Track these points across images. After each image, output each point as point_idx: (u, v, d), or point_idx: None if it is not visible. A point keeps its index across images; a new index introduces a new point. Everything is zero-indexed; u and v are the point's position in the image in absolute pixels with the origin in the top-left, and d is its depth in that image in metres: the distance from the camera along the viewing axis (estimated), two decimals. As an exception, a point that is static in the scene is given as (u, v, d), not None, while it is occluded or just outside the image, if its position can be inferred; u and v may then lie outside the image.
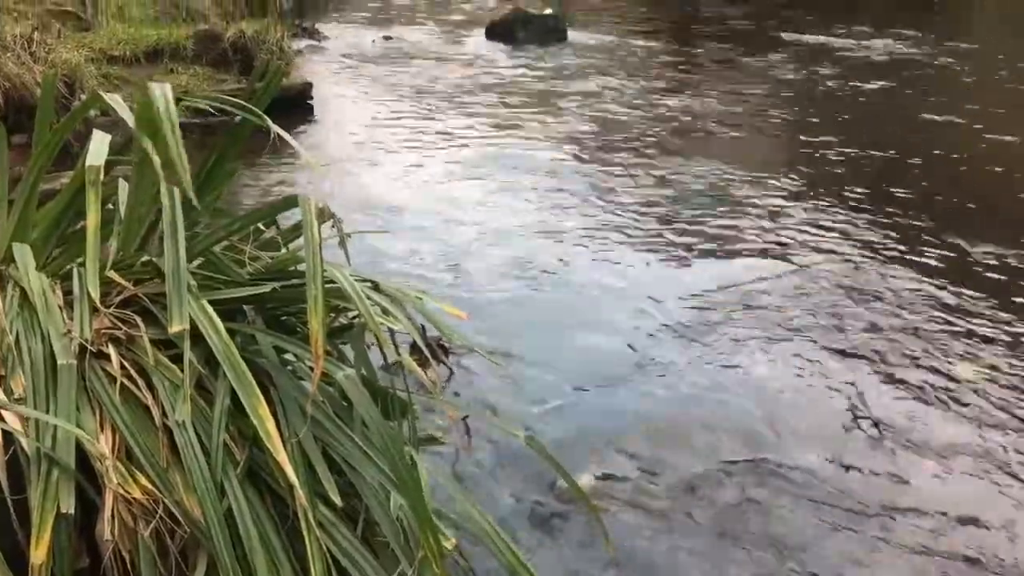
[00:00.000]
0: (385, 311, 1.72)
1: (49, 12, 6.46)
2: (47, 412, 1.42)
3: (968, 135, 5.81)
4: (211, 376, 1.54)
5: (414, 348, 2.33)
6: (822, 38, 9.36)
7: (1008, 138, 5.70)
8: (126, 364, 1.53)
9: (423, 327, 2.04)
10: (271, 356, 1.63)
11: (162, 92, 1.64)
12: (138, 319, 1.59)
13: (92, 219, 1.61)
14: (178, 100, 1.81)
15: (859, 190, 4.61)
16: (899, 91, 7.05)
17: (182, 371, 1.47)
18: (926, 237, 3.94)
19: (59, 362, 1.47)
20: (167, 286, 1.51)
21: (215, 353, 1.51)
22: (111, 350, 1.53)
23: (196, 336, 1.51)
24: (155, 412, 1.48)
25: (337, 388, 1.64)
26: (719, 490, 2.27)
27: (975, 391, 2.74)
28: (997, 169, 5.07)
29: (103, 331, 1.56)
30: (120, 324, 1.59)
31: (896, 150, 5.41)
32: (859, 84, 7.28)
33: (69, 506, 1.32)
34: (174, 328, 1.46)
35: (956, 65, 8.01)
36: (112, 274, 1.65)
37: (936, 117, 6.12)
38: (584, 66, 8.08)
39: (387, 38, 9.75)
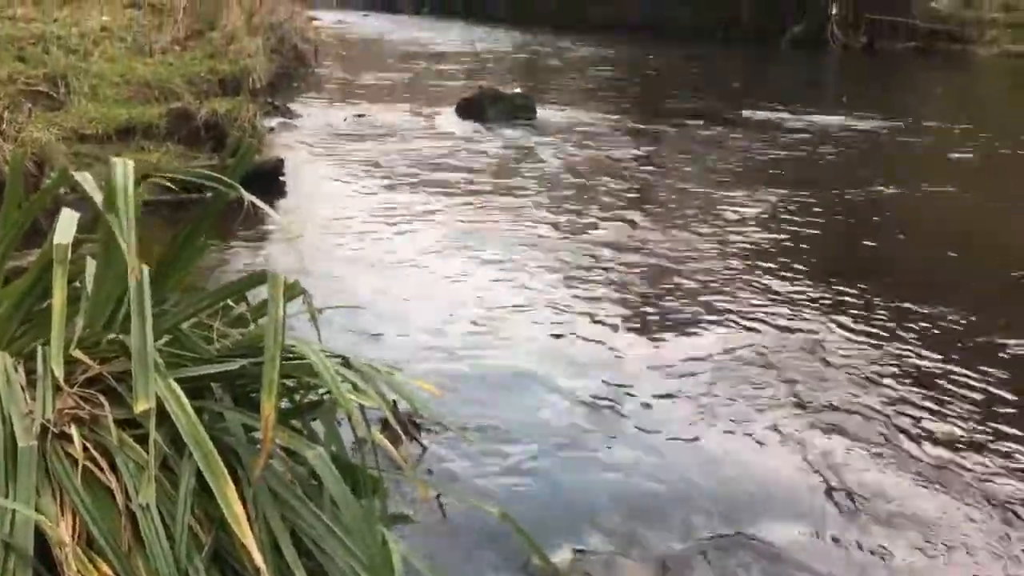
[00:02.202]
0: (356, 387, 1.70)
1: (21, 92, 6.50)
2: (6, 496, 1.37)
3: (922, 207, 5.97)
4: (177, 456, 1.50)
5: (386, 424, 2.31)
6: (781, 115, 9.65)
7: (953, 210, 5.87)
8: (89, 445, 1.49)
9: (395, 403, 2.02)
10: (239, 434, 1.60)
11: (124, 169, 1.65)
12: (103, 398, 1.56)
13: (58, 296, 1.59)
14: (148, 176, 1.81)
15: (822, 261, 4.69)
16: (854, 165, 7.25)
17: (147, 451, 1.43)
18: (888, 306, 4.00)
19: (19, 444, 1.43)
20: (133, 364, 1.48)
21: (181, 433, 1.48)
22: (74, 431, 1.49)
23: (162, 415, 1.48)
24: (118, 495, 1.44)
25: (307, 467, 1.61)
26: (696, 567, 2.24)
27: (947, 461, 2.75)
28: (953, 239, 5.20)
29: (66, 411, 1.53)
30: (84, 404, 1.55)
31: (854, 221, 5.53)
32: (816, 158, 7.49)
33: (25, 595, 1.27)
34: (139, 407, 1.44)
35: (907, 141, 8.28)
36: (77, 353, 1.62)
37: (891, 189, 6.29)
38: (552, 143, 8.24)
39: (359, 116, 9.89)
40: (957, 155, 7.71)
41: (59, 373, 1.52)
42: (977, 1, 17.54)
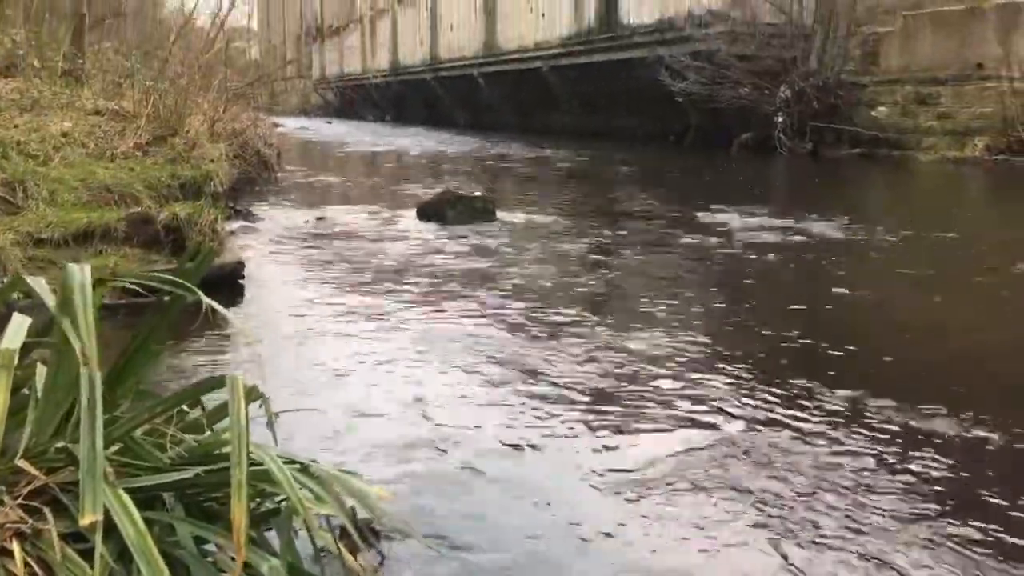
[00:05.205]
0: (315, 494, 1.66)
1: (-23, 197, 6.46)
2: (-64, 619, 1.30)
3: (878, 309, 6.11)
4: (124, 572, 1.44)
5: (344, 532, 2.24)
6: (732, 216, 9.93)
7: (908, 311, 6.02)
8: (31, 561, 1.42)
9: (353, 509, 1.97)
10: (190, 547, 1.54)
11: (81, 275, 1.63)
12: (47, 511, 1.50)
13: None
14: (104, 280, 1.79)
15: (778, 359, 4.75)
16: (808, 265, 7.44)
17: (92, 567, 1.37)
18: (845, 406, 4.04)
19: (-45, 562, 1.36)
20: (80, 474, 1.43)
21: (129, 546, 1.42)
22: (15, 546, 1.43)
23: (110, 528, 1.42)
24: (59, 614, 1.37)
25: (261, 580, 1.55)
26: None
27: (908, 558, 2.73)
28: (908, 341, 5.31)
29: (8, 525, 1.46)
30: (28, 517, 1.49)
31: (808, 322, 5.64)
32: (772, 260, 7.67)
33: None
34: (85, 520, 1.38)
35: (852, 240, 8.54)
36: (22, 463, 1.56)
37: (844, 291, 6.44)
38: (512, 245, 8.36)
39: (320, 219, 9.98)
40: (906, 258, 7.95)
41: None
42: (915, 110, 18.45)
